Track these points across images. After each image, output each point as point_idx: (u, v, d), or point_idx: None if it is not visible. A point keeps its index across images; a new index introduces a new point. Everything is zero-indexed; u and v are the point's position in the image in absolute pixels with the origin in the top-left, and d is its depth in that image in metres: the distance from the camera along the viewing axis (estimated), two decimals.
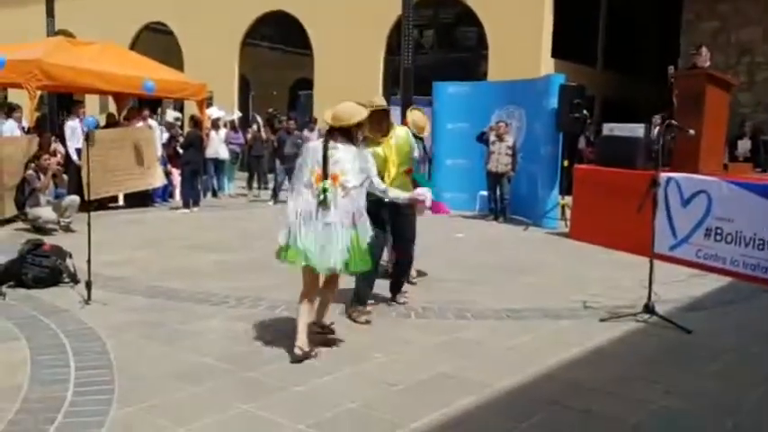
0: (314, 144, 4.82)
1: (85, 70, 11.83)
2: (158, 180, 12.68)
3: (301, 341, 4.54)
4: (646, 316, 5.70)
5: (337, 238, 4.47)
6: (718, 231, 7.83)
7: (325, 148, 4.57)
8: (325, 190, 4.45)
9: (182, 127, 15.79)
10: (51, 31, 15.63)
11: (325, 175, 4.49)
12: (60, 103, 16.16)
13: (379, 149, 5.51)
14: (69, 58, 11.81)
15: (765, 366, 4.83)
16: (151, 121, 13.55)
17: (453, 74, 15.33)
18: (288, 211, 4.60)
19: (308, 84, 22.02)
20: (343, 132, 4.63)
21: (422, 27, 20.27)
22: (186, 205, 12.36)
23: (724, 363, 4.89)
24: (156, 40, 24.58)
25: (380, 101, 5.61)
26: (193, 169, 12.55)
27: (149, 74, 13.12)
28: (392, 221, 5.70)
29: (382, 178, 5.26)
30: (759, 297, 6.90)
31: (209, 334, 5.11)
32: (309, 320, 4.75)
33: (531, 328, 5.38)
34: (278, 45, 24.75)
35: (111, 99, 15.88)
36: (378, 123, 5.48)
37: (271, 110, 18.20)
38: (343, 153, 4.57)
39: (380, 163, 5.40)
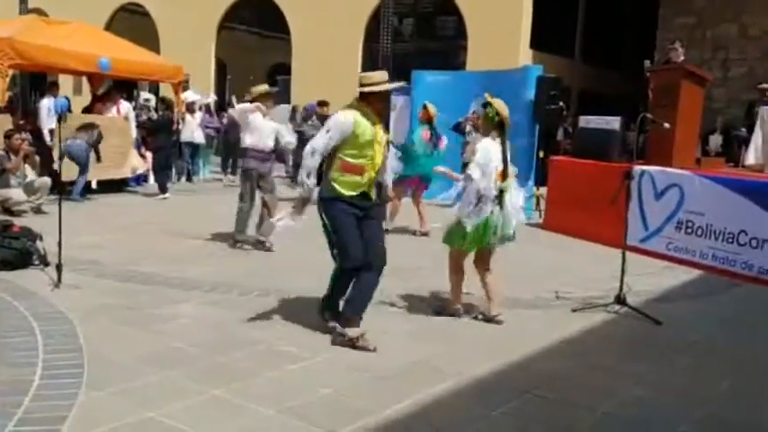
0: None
1: (59, 50, 11.61)
2: (134, 170, 12.63)
3: None
4: (617, 307, 5.76)
5: None
6: (689, 224, 7.92)
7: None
8: None
9: (156, 110, 15.60)
10: (24, 10, 15.31)
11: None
12: (33, 83, 15.86)
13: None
14: (42, 38, 11.58)
15: (734, 358, 4.91)
16: (124, 102, 13.36)
17: (432, 63, 15.33)
18: None
19: (285, 69, 21.89)
20: None
21: (401, 15, 20.22)
22: (162, 190, 12.17)
23: (693, 354, 4.96)
24: (132, 22, 24.26)
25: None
26: (167, 155, 12.43)
27: (124, 55, 12.91)
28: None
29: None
30: (728, 290, 7.00)
31: (181, 319, 5.07)
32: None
33: (503, 318, 5.40)
34: (256, 29, 24.56)
35: (84, 80, 15.64)
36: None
37: (246, 95, 18.05)
38: None
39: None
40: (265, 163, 7.98)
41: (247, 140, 7.87)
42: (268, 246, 7.72)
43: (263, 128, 7.86)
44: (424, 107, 9.52)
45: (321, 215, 4.71)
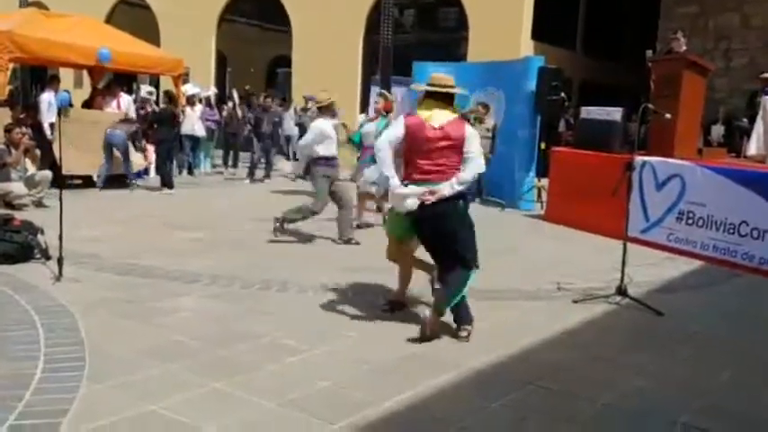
0: None
1: (59, 43, 11.59)
2: (137, 164, 12.65)
3: None
4: (618, 298, 5.76)
5: None
6: (690, 215, 7.91)
7: None
8: None
9: (157, 102, 15.59)
10: (24, 3, 15.30)
11: None
12: (33, 77, 15.85)
13: None
14: (42, 31, 11.56)
15: (735, 349, 4.90)
16: (125, 96, 13.34)
17: (433, 54, 15.29)
18: None
19: (286, 61, 21.85)
20: None
21: (402, 6, 20.16)
22: (168, 185, 12.08)
23: (694, 345, 4.96)
24: (133, 15, 24.21)
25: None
26: (168, 148, 12.41)
27: (125, 48, 12.87)
28: None
29: None
30: (729, 280, 7.00)
31: (182, 312, 5.08)
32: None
33: (504, 309, 5.41)
34: (256, 21, 24.51)
35: (85, 73, 15.61)
36: None
37: (247, 87, 18.05)
38: None
39: None
40: (336, 168, 8.06)
41: (320, 151, 7.84)
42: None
43: (333, 137, 7.94)
44: (384, 97, 9.40)
45: (466, 215, 4.78)
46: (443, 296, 4.74)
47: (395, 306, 5.30)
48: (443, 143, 4.64)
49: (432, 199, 4.60)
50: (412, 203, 4.65)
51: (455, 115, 4.76)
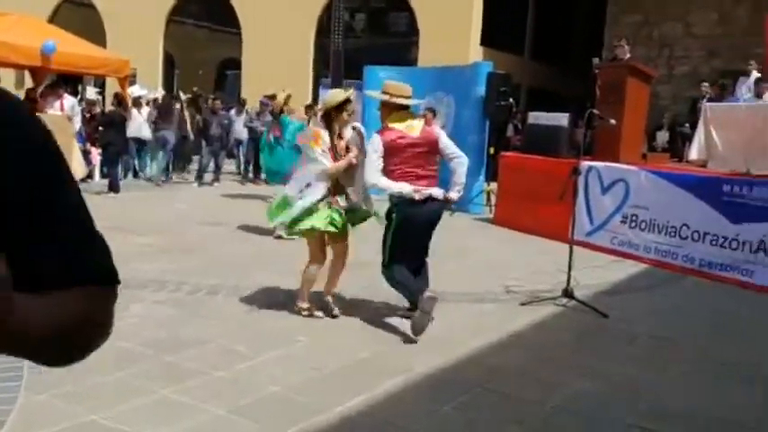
0: None
1: None
2: (78, 173, 12.20)
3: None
4: (564, 300, 5.85)
5: None
6: (633, 219, 8.09)
7: None
8: None
9: (102, 104, 15.25)
10: None
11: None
12: None
13: None
14: None
15: (679, 350, 5.02)
16: (69, 97, 13.00)
17: (384, 59, 15.30)
18: None
19: (235, 63, 21.64)
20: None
21: (353, 10, 20.17)
22: (115, 189, 11.85)
23: (639, 346, 5.06)
24: (77, 14, 23.67)
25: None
26: (117, 151, 12.15)
27: (69, 48, 12.54)
28: None
29: None
30: (674, 282, 7.17)
31: (128, 318, 4.95)
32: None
33: (452, 312, 5.44)
34: (205, 23, 24.22)
35: (27, 73, 15.17)
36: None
37: (195, 89, 17.81)
38: None
39: None
40: None
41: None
42: None
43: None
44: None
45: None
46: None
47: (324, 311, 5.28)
48: (424, 149, 4.98)
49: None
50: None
51: (422, 121, 5.13)
